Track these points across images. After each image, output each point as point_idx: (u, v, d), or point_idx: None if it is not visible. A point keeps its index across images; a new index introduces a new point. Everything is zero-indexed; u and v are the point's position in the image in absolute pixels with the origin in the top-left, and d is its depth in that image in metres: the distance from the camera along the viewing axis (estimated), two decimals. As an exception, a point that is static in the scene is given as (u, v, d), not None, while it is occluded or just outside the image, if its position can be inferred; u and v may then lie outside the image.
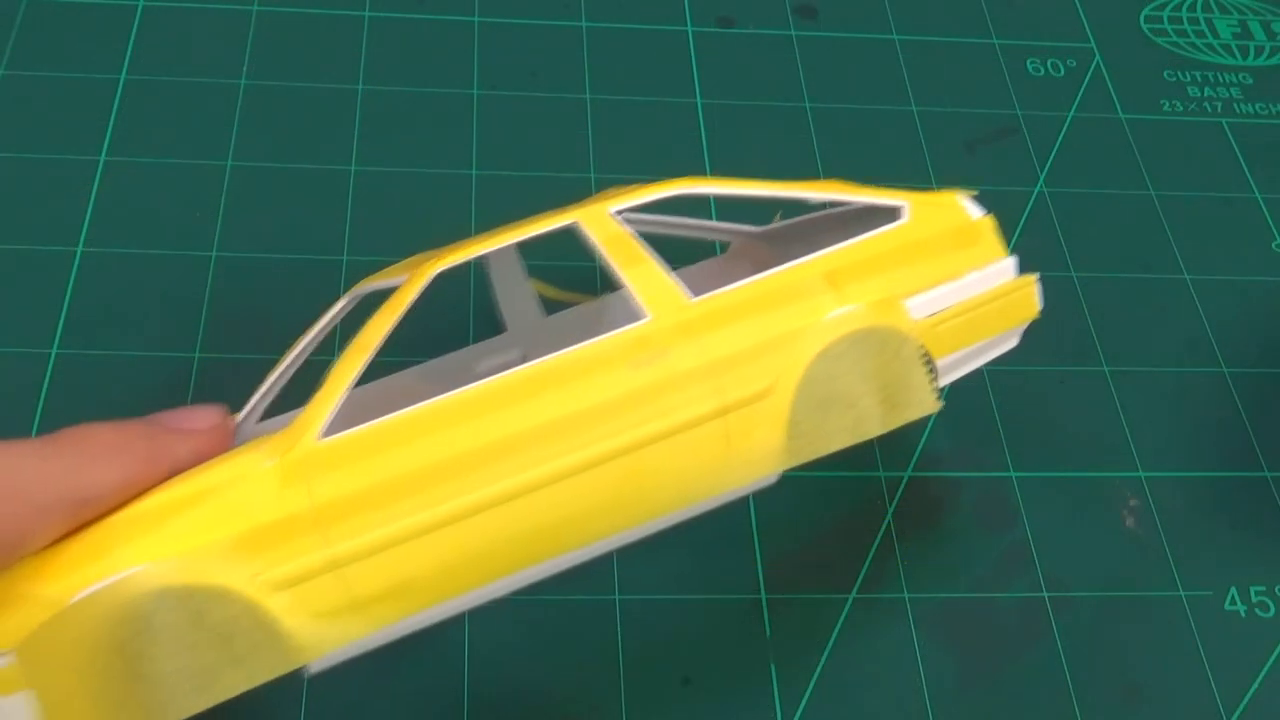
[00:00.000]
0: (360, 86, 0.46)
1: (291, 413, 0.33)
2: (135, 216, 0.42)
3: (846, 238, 0.31)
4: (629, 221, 0.31)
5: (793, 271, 0.30)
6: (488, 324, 0.39)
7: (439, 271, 0.29)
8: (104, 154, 0.43)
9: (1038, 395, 0.41)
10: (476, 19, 0.49)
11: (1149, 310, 0.44)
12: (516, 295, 0.38)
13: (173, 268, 0.41)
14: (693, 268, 0.38)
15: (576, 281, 0.40)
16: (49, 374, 0.38)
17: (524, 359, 0.35)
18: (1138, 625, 0.37)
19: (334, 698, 0.33)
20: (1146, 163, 0.48)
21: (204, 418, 0.28)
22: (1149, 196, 0.47)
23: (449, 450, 0.27)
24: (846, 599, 0.36)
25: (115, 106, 0.44)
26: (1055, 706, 0.35)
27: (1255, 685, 0.36)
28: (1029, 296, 0.33)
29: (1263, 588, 0.38)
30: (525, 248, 0.38)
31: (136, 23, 0.47)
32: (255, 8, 0.48)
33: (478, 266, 0.40)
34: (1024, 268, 0.42)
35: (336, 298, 0.40)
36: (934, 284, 0.31)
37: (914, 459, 0.39)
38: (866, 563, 0.37)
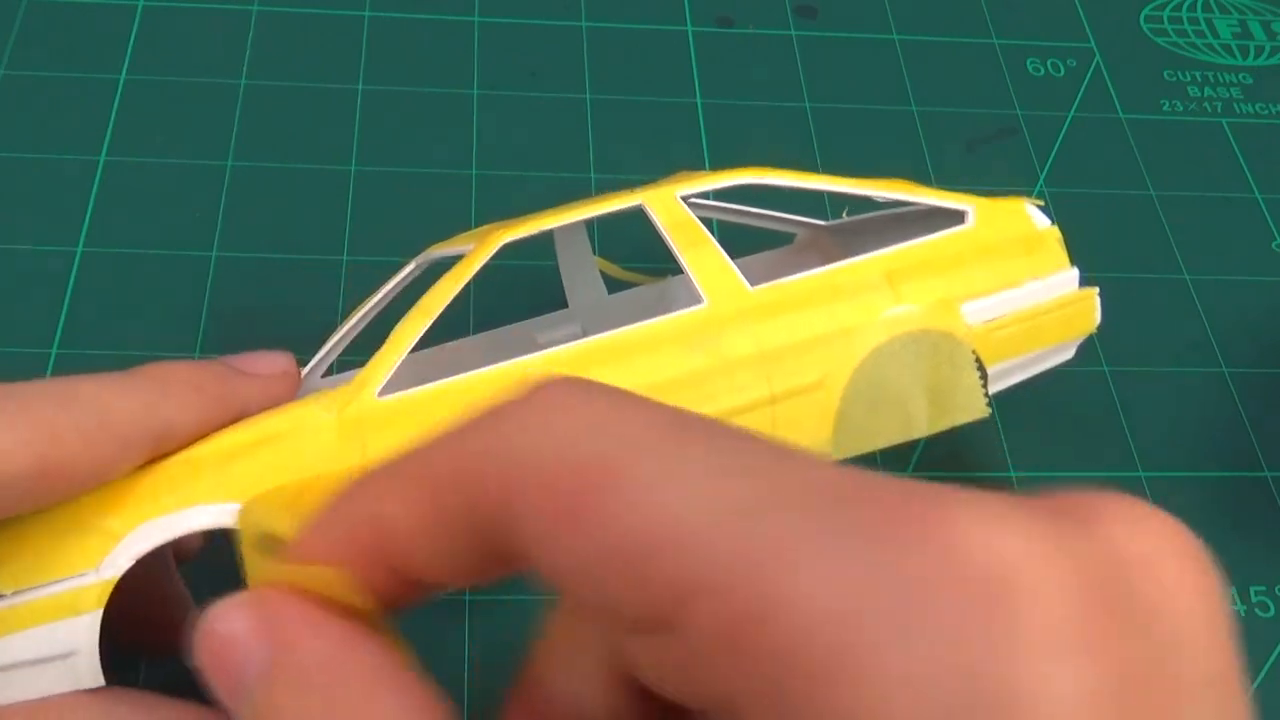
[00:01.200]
0: (360, 86, 0.46)
1: (352, 371, 0.34)
2: (135, 216, 0.42)
3: (912, 238, 0.31)
4: (695, 207, 0.31)
5: (852, 268, 0.30)
6: (550, 302, 0.39)
7: (507, 241, 0.30)
8: (104, 154, 0.43)
9: (1037, 395, 0.41)
10: (476, 19, 0.49)
11: (1149, 310, 0.44)
12: (581, 272, 0.38)
13: (173, 268, 0.41)
14: (758, 257, 0.38)
15: (643, 263, 0.40)
16: (49, 374, 0.38)
17: (583, 335, 0.35)
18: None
19: (334, 698, 0.33)
20: (1146, 163, 0.48)
21: (273, 363, 0.29)
22: (1149, 196, 0.47)
23: None
24: (847, 599, 0.36)
25: (115, 106, 0.44)
26: (1055, 706, 0.35)
27: (1255, 685, 0.36)
28: (1089, 310, 0.33)
29: (1263, 588, 0.38)
30: (597, 227, 0.38)
31: (136, 23, 0.47)
32: (255, 8, 0.48)
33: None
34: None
35: (337, 294, 0.41)
36: (993, 290, 0.31)
37: (914, 459, 0.39)
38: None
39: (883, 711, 0.15)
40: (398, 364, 0.28)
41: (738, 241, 0.36)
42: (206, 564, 0.34)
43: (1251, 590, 0.38)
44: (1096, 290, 0.33)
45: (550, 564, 0.19)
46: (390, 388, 0.27)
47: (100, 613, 0.25)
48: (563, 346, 0.28)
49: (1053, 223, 0.33)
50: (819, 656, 0.15)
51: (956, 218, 0.32)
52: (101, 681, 0.25)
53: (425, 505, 0.21)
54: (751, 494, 0.17)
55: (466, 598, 0.35)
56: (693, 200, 0.32)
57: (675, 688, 0.19)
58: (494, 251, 0.30)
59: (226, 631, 0.21)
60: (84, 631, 0.25)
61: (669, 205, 0.31)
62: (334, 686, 0.20)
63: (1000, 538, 0.15)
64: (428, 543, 0.21)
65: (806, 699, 0.16)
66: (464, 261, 0.30)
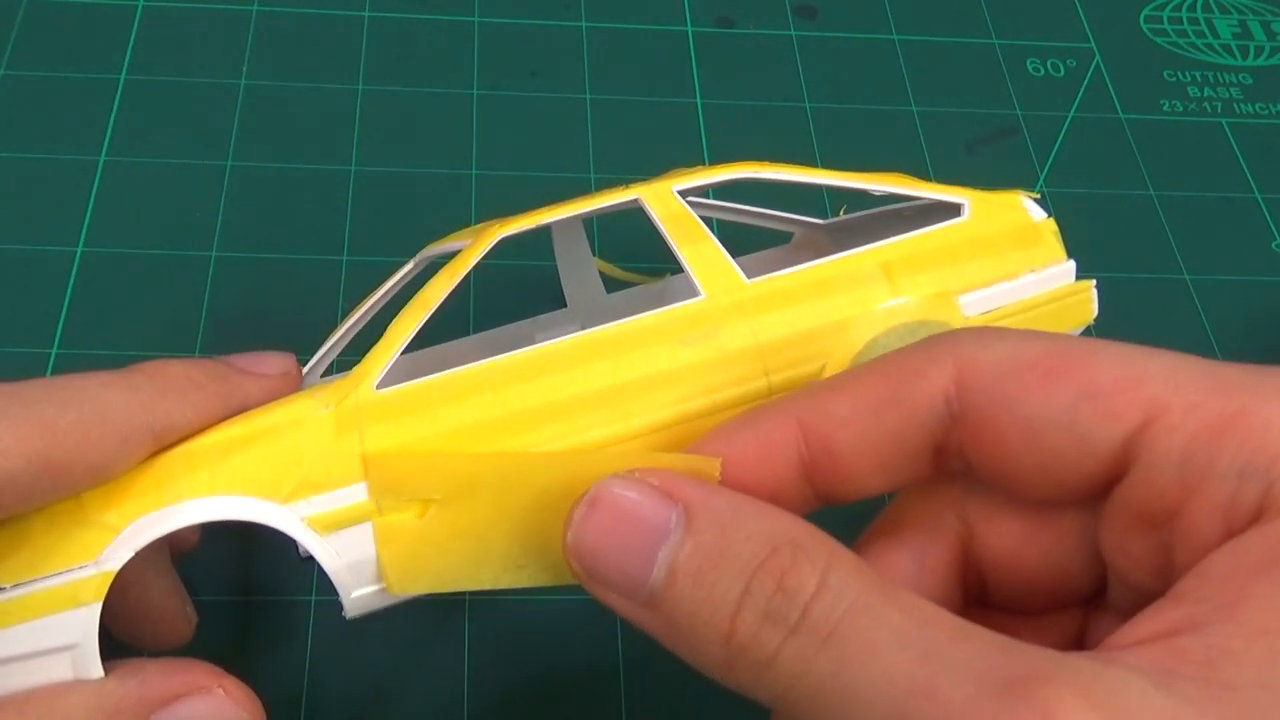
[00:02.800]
0: (360, 86, 0.46)
1: (352, 369, 0.34)
2: (135, 216, 0.42)
3: (909, 232, 0.31)
4: (695, 206, 0.32)
5: (849, 260, 0.30)
6: (549, 302, 0.39)
7: (504, 236, 0.30)
8: (104, 154, 0.43)
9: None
10: (476, 19, 0.49)
11: (1149, 310, 0.44)
12: (579, 272, 0.38)
13: (173, 268, 0.41)
14: (756, 255, 0.38)
15: (641, 263, 0.40)
16: (49, 374, 0.38)
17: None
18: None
19: (334, 696, 0.33)
20: (1146, 163, 0.48)
21: (275, 363, 0.29)
22: (1149, 196, 0.47)
23: (496, 410, 0.27)
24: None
25: (115, 106, 0.44)
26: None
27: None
28: (1086, 302, 0.33)
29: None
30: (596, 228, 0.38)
31: (136, 23, 0.47)
32: (255, 8, 0.48)
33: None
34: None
35: (337, 294, 0.41)
36: (990, 282, 0.31)
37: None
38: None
39: None
40: (395, 357, 0.28)
41: (736, 240, 0.36)
42: (204, 557, 0.34)
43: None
44: (1093, 282, 0.33)
45: (993, 435, 0.24)
46: (388, 381, 0.28)
47: (100, 605, 0.25)
48: (561, 339, 0.28)
49: (1049, 215, 0.33)
50: None
51: (953, 210, 0.32)
52: (101, 673, 0.25)
53: (866, 409, 0.25)
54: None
55: (466, 597, 0.35)
56: (691, 200, 0.32)
57: (1077, 563, 0.24)
58: (491, 246, 0.30)
59: (625, 498, 0.23)
60: (84, 623, 0.25)
61: (665, 200, 0.31)
62: (757, 518, 0.23)
63: None
64: (861, 443, 0.24)
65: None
66: (461, 256, 0.30)
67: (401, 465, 0.26)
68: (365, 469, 0.26)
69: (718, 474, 0.25)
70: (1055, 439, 0.23)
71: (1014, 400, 0.23)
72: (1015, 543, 0.25)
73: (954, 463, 0.25)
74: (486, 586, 0.27)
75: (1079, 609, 0.26)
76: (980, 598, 0.26)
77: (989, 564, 0.26)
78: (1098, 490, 0.23)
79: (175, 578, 0.30)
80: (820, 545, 0.22)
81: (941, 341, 0.25)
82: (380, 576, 0.27)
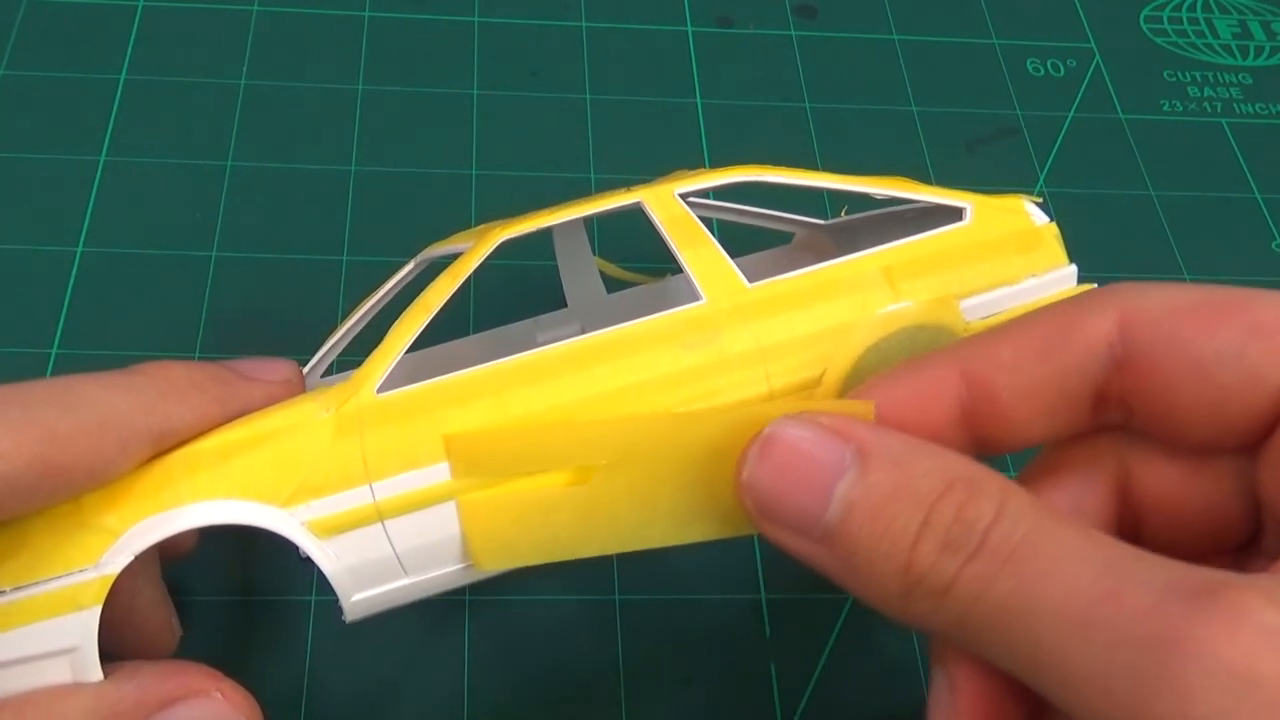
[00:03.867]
0: (360, 86, 0.46)
1: (352, 370, 0.34)
2: (135, 216, 0.42)
3: (910, 236, 0.31)
4: (694, 206, 0.32)
5: (850, 264, 0.30)
6: (549, 302, 0.39)
7: (505, 239, 0.30)
8: (104, 154, 0.43)
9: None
10: (476, 19, 0.49)
11: (1149, 310, 0.44)
12: (580, 273, 0.38)
13: (173, 268, 0.41)
14: (756, 256, 0.38)
15: (642, 263, 0.40)
16: (49, 374, 0.38)
17: (582, 334, 0.36)
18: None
19: (334, 697, 0.33)
20: (1146, 163, 0.48)
21: (277, 369, 0.29)
22: (1149, 196, 0.47)
23: (497, 415, 0.27)
24: (846, 599, 0.36)
25: (115, 106, 0.44)
26: (1055, 706, 0.35)
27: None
28: None
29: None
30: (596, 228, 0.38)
31: (136, 23, 0.47)
32: (255, 8, 0.48)
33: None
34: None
35: (337, 294, 0.41)
36: (991, 286, 0.31)
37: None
38: (866, 563, 0.37)
39: None
40: (396, 360, 0.28)
41: (737, 241, 0.36)
42: (205, 557, 0.34)
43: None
44: (1095, 286, 0.33)
45: (1160, 378, 0.24)
46: (389, 385, 0.27)
47: (99, 608, 0.25)
48: (561, 342, 0.28)
49: (1051, 219, 0.33)
50: None
51: (954, 215, 0.32)
52: (100, 676, 0.25)
53: (1030, 353, 0.25)
54: None
55: (466, 598, 0.35)
56: (692, 200, 0.32)
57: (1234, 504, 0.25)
58: (492, 249, 0.30)
59: (800, 438, 0.24)
60: (83, 627, 0.25)
61: (667, 203, 0.31)
62: (930, 456, 0.23)
63: None
64: (1023, 388, 0.25)
65: None
66: (462, 259, 0.30)
67: (486, 443, 0.27)
68: (446, 449, 0.26)
69: (872, 418, 0.26)
70: (1223, 378, 0.24)
71: (1181, 341, 0.24)
72: (1173, 489, 0.26)
73: (1113, 412, 0.26)
74: (594, 552, 0.28)
75: (1231, 556, 0.26)
76: (1134, 543, 0.27)
77: (1146, 509, 0.26)
78: (1262, 431, 0.24)
79: (164, 589, 0.30)
80: (994, 480, 0.23)
81: (1101, 291, 0.26)
82: (465, 554, 0.27)
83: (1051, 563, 0.21)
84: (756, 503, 0.25)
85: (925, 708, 0.35)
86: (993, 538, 0.22)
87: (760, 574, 0.37)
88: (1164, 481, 0.26)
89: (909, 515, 0.23)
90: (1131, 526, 0.26)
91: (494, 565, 0.27)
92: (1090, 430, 0.26)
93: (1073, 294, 0.32)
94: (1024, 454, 0.28)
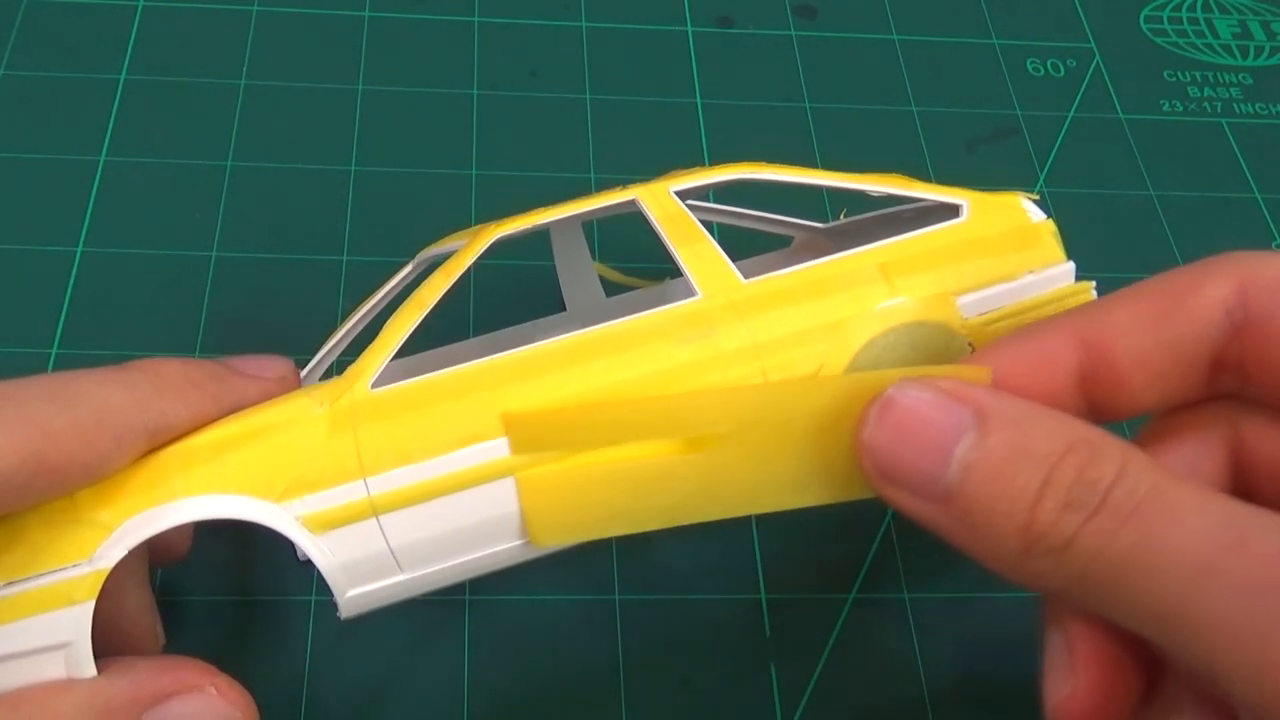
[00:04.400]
0: (360, 86, 0.46)
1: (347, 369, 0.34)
2: (135, 216, 0.42)
3: (907, 234, 0.31)
4: (694, 209, 0.32)
5: (847, 260, 0.30)
6: (548, 305, 0.39)
7: (500, 236, 0.30)
8: (104, 154, 0.43)
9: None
10: (476, 19, 0.49)
11: (1149, 310, 0.44)
12: (579, 276, 0.38)
13: (173, 268, 0.41)
14: (756, 259, 0.38)
15: (641, 264, 0.40)
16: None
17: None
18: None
19: (334, 696, 0.33)
20: (1146, 163, 0.48)
21: (273, 367, 0.29)
22: (1149, 196, 0.47)
23: (490, 409, 0.27)
24: (846, 599, 0.36)
25: (115, 106, 0.44)
26: (1055, 706, 0.35)
27: None
28: (1085, 302, 0.33)
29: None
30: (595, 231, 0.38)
31: (136, 23, 0.47)
32: (255, 8, 0.48)
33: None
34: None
35: (337, 294, 0.41)
36: (988, 283, 0.31)
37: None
38: (866, 563, 0.37)
39: None
40: (390, 356, 0.28)
41: (735, 244, 0.36)
42: (204, 556, 0.34)
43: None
44: (1093, 284, 0.33)
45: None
46: (383, 380, 0.27)
47: (93, 603, 0.25)
48: (558, 338, 0.28)
49: (1049, 216, 0.33)
50: None
51: (952, 211, 0.32)
52: (94, 671, 0.25)
53: (1147, 317, 0.26)
54: None
55: (466, 597, 0.35)
56: (691, 204, 0.32)
57: None
58: (487, 246, 0.30)
59: (919, 399, 0.25)
60: (77, 622, 0.25)
61: (662, 200, 0.31)
62: (1049, 419, 0.24)
63: None
64: (1140, 352, 0.26)
65: None
66: (457, 256, 0.30)
67: (544, 420, 0.27)
68: (505, 426, 0.27)
69: (989, 382, 0.26)
70: None
71: None
72: None
73: (1228, 379, 0.26)
74: (677, 523, 0.28)
75: None
76: None
77: (1261, 477, 0.27)
78: None
79: (151, 594, 0.30)
80: (1115, 442, 0.23)
81: (1219, 257, 0.26)
82: (522, 531, 0.27)
83: (1174, 516, 0.21)
84: (875, 464, 0.25)
85: (925, 707, 0.35)
86: (1115, 495, 0.22)
87: (760, 574, 0.37)
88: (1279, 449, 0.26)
89: (1029, 475, 0.23)
90: (1244, 495, 0.27)
91: (553, 541, 0.28)
92: (1204, 397, 0.27)
93: (1071, 291, 0.32)
94: (1136, 423, 0.28)
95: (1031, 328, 0.27)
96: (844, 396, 0.26)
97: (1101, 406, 0.27)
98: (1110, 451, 0.23)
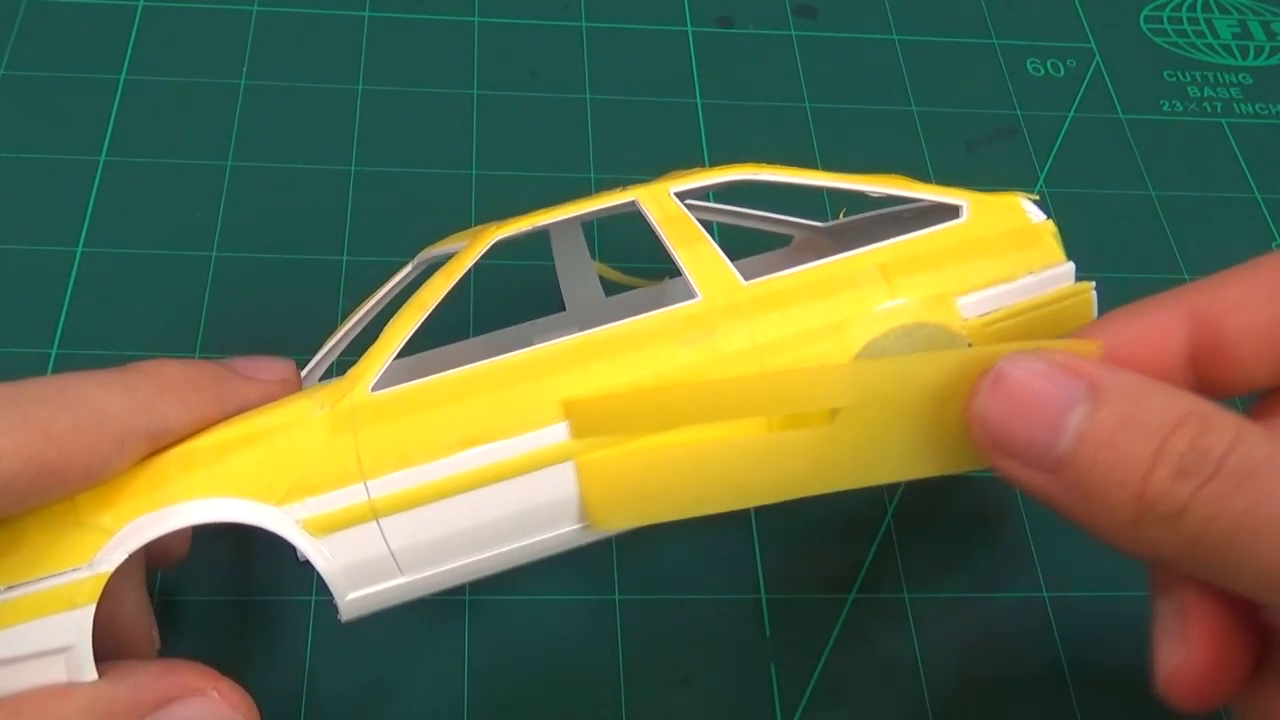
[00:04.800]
0: (360, 86, 0.46)
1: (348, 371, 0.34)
2: (135, 216, 0.42)
3: (907, 235, 0.31)
4: (694, 209, 0.32)
5: (846, 262, 0.30)
6: (548, 305, 0.39)
7: (500, 238, 0.30)
8: (104, 154, 0.43)
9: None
10: (476, 19, 0.49)
11: (1149, 310, 0.44)
12: (578, 276, 0.38)
13: (173, 268, 0.41)
14: (756, 258, 0.38)
15: (640, 264, 0.40)
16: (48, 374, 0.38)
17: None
18: (1138, 625, 0.37)
19: (334, 697, 0.33)
20: (1146, 163, 0.48)
21: (274, 369, 0.29)
22: (1149, 196, 0.47)
23: (490, 411, 0.27)
24: (846, 599, 0.36)
25: (115, 106, 0.44)
26: (1055, 706, 0.35)
27: (1255, 685, 0.36)
28: (1085, 303, 0.33)
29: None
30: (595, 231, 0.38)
31: (136, 23, 0.47)
32: (255, 8, 0.48)
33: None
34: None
35: (337, 294, 0.41)
36: (988, 284, 0.31)
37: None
38: (866, 563, 0.37)
39: None
40: (390, 359, 0.28)
41: (736, 244, 0.37)
42: (204, 557, 0.34)
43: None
44: (1093, 284, 0.33)
45: None
46: (384, 383, 0.27)
47: (94, 607, 0.25)
48: (557, 340, 0.28)
49: (1048, 216, 0.33)
50: None
51: (951, 212, 0.32)
52: (94, 675, 0.25)
53: (1260, 293, 0.26)
54: None
55: (466, 597, 0.35)
56: (690, 203, 0.32)
57: None
58: (487, 248, 0.30)
59: (1032, 369, 0.25)
60: (78, 625, 0.25)
61: (662, 201, 0.30)
62: (1162, 392, 0.24)
63: None
64: (1253, 328, 0.26)
65: None
66: (457, 258, 0.30)
67: (607, 404, 0.27)
68: (566, 412, 0.27)
69: (1100, 357, 0.26)
70: None
71: None
72: None
73: None
74: (713, 510, 0.28)
75: None
76: None
77: None
78: None
79: (147, 598, 0.30)
80: (1227, 415, 0.23)
81: None
82: (584, 515, 0.28)
83: None
84: (988, 433, 0.25)
85: (925, 706, 0.35)
86: (1229, 462, 0.22)
87: (760, 574, 0.37)
88: None
89: (1142, 445, 0.23)
90: None
91: (615, 524, 0.28)
92: None
93: (1071, 291, 0.32)
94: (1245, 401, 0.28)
95: (1143, 303, 0.28)
96: (957, 369, 0.27)
97: (1212, 382, 0.27)
98: (1223, 422, 0.23)
